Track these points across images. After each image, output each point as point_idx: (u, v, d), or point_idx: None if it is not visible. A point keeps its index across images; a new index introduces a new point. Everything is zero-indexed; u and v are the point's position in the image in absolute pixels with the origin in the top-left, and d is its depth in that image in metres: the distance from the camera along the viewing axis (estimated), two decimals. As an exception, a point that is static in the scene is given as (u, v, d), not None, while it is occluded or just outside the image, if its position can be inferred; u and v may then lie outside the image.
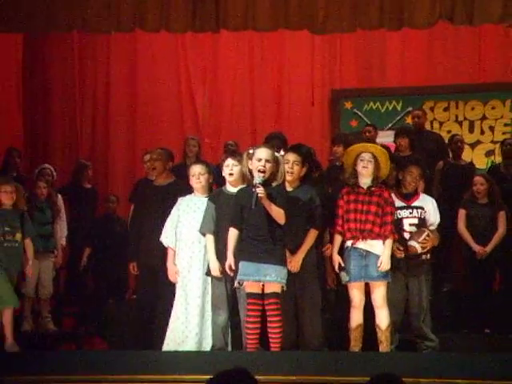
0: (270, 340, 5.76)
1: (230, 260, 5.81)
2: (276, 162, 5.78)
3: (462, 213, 7.40)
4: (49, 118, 10.43)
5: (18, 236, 6.69)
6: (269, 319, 5.74)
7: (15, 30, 8.16)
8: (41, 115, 10.42)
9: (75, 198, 8.66)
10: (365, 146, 6.31)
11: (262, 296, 5.75)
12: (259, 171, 5.70)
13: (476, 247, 7.27)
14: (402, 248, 6.21)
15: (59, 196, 8.09)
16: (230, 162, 6.14)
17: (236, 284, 5.82)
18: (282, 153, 5.94)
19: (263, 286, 5.73)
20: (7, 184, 6.78)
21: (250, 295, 5.76)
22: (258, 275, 5.68)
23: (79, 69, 10.48)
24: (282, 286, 5.73)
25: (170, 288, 6.33)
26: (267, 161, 5.73)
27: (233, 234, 5.84)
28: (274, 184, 5.78)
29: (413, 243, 6.27)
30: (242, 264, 5.74)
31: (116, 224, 8.54)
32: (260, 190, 5.60)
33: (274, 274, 5.66)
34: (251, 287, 5.75)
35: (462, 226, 7.39)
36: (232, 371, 3.05)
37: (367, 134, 8.78)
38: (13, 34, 9.12)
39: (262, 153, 5.75)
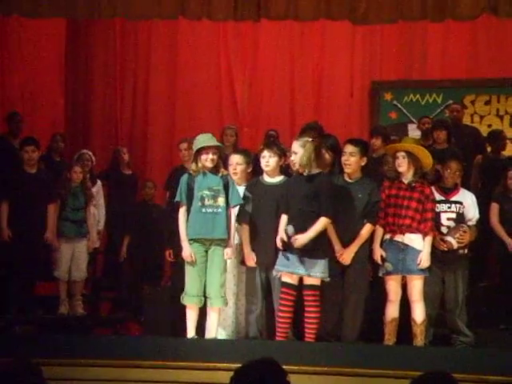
0: (306, 330, 5.78)
1: (281, 237, 5.79)
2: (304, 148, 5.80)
3: (494, 207, 7.28)
4: (90, 103, 10.51)
5: (221, 200, 5.84)
6: (306, 309, 5.76)
7: (59, 15, 8.23)
8: (82, 100, 10.50)
9: (115, 183, 8.72)
10: (395, 146, 6.36)
11: (297, 287, 5.76)
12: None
13: (509, 241, 7.17)
14: (443, 240, 6.18)
15: (98, 182, 8.13)
16: (266, 153, 6.17)
17: (274, 273, 5.85)
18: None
19: (301, 277, 5.74)
20: (208, 147, 5.90)
21: (284, 284, 5.78)
22: (293, 267, 5.70)
23: (120, 55, 10.53)
24: (323, 279, 5.74)
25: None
26: (294, 153, 5.85)
27: (283, 220, 5.86)
28: (314, 171, 5.79)
29: (449, 238, 6.23)
30: (280, 255, 5.78)
31: (153, 210, 8.56)
32: (298, 244, 5.62)
33: (310, 268, 5.67)
34: (286, 277, 5.77)
35: (494, 219, 7.27)
36: (260, 361, 3.01)
37: (426, 125, 8.68)
38: (56, 19, 9.19)
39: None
